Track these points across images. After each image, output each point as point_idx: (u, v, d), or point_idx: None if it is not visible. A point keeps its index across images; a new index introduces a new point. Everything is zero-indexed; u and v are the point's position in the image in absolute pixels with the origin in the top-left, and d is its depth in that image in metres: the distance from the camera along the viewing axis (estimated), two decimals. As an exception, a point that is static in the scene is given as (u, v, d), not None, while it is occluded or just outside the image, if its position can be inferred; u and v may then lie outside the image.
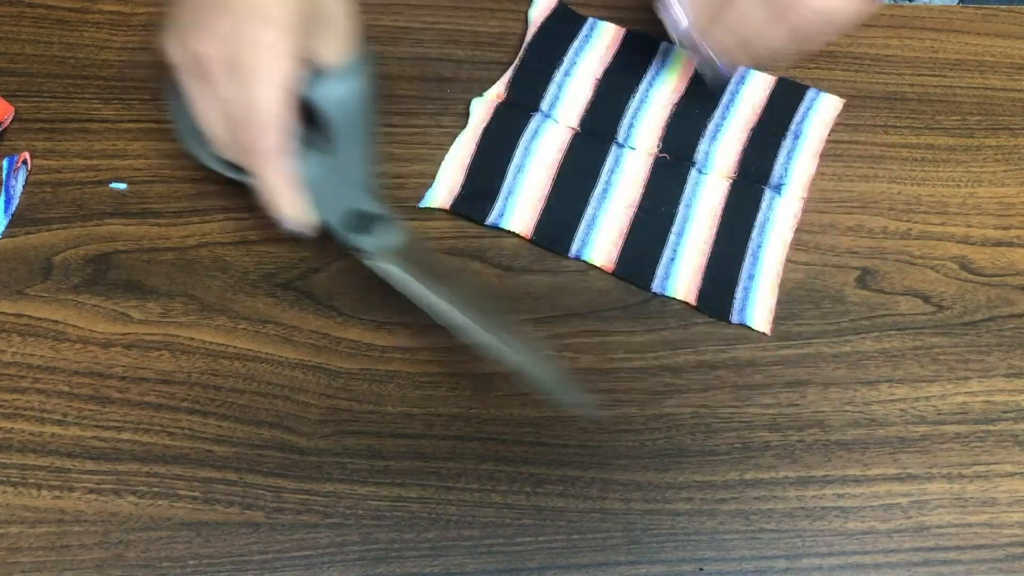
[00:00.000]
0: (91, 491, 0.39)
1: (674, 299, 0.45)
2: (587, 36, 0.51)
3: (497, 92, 0.50)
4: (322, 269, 0.45)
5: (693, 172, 0.48)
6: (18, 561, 0.37)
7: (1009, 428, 0.42)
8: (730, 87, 0.50)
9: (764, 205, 0.47)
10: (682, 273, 0.45)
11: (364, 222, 0.40)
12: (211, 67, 0.37)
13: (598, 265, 0.45)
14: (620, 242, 0.46)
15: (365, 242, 0.40)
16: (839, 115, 0.51)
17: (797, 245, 0.47)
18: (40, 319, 0.43)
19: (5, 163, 0.47)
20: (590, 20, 0.52)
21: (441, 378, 0.42)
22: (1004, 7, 0.57)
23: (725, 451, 0.41)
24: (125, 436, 0.40)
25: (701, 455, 0.41)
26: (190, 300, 0.44)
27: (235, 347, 0.43)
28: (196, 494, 0.39)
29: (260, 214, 0.46)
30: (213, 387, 0.42)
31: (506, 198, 0.47)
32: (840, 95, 0.52)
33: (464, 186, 0.47)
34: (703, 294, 0.45)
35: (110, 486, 0.39)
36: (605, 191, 0.47)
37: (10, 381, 0.41)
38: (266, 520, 0.39)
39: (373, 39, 0.53)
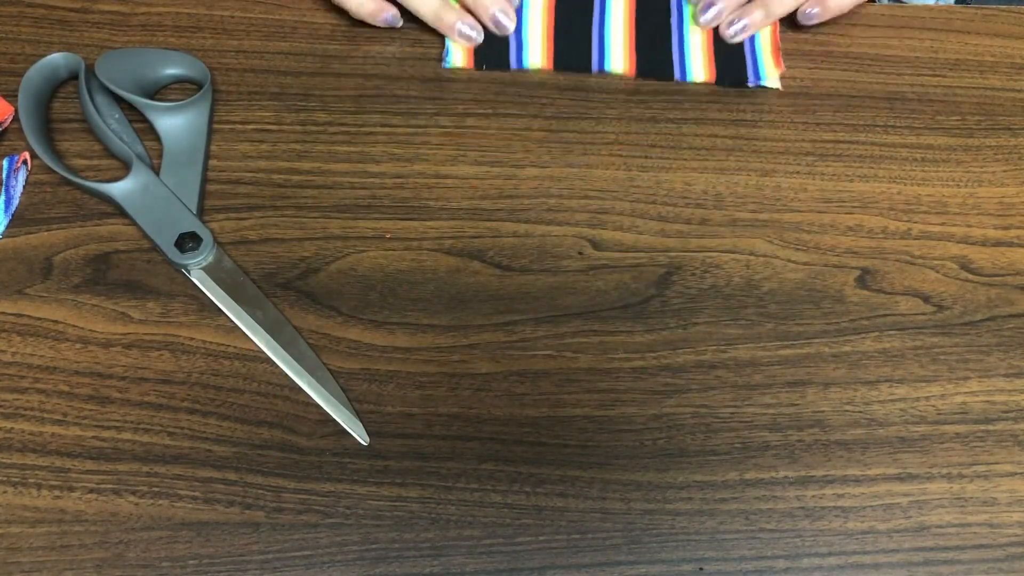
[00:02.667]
0: (91, 491, 0.39)
1: (695, 82, 0.51)
2: None
3: None
4: (322, 269, 0.45)
5: None
6: (18, 561, 0.37)
7: (1009, 428, 0.42)
8: None
9: None
10: (695, 56, 0.51)
11: (190, 242, 0.44)
12: None
13: (620, 72, 0.50)
14: (632, 44, 0.51)
15: (189, 259, 0.44)
16: (839, 115, 0.51)
17: (797, 245, 0.47)
18: (40, 319, 0.43)
19: (5, 163, 0.47)
20: None
21: (441, 378, 0.42)
22: (1004, 7, 0.57)
23: (725, 451, 0.41)
24: (125, 436, 0.40)
25: (701, 455, 0.41)
26: (190, 300, 0.44)
27: (235, 347, 0.43)
28: (196, 494, 0.39)
29: (259, 214, 0.46)
30: (213, 387, 0.42)
31: (518, 40, 0.51)
32: (840, 95, 0.52)
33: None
34: (719, 70, 0.51)
35: (110, 486, 0.39)
36: (604, 1, 0.53)
37: (10, 381, 0.41)
38: (266, 520, 0.39)
39: (373, 39, 0.53)
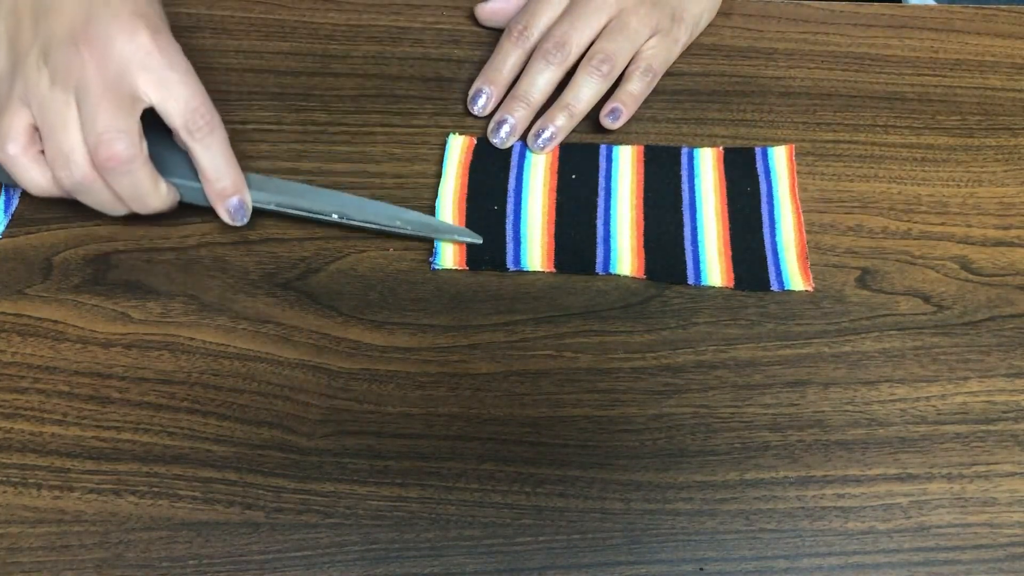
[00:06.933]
0: (91, 491, 0.39)
1: (710, 287, 0.45)
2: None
3: (470, 137, 0.49)
4: (322, 269, 0.45)
5: (683, 155, 0.49)
6: (18, 561, 0.37)
7: (1009, 428, 0.42)
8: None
9: (760, 174, 0.48)
10: (710, 259, 0.46)
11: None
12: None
13: (628, 274, 0.45)
14: (641, 244, 0.46)
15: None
16: (839, 115, 0.51)
17: (797, 245, 0.47)
18: (40, 319, 0.43)
19: (5, 163, 0.47)
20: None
21: (441, 378, 0.42)
22: (1004, 7, 0.57)
23: (725, 451, 0.41)
24: (125, 436, 0.40)
25: (701, 455, 0.41)
26: (190, 300, 0.44)
27: (235, 347, 0.43)
28: (196, 494, 0.39)
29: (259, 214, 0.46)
30: (213, 387, 0.42)
31: (516, 239, 0.46)
32: (840, 95, 0.52)
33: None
34: (738, 275, 0.45)
35: (110, 486, 0.39)
36: (609, 194, 0.48)
37: (10, 381, 0.41)
38: (266, 520, 0.39)
39: (373, 39, 0.53)
